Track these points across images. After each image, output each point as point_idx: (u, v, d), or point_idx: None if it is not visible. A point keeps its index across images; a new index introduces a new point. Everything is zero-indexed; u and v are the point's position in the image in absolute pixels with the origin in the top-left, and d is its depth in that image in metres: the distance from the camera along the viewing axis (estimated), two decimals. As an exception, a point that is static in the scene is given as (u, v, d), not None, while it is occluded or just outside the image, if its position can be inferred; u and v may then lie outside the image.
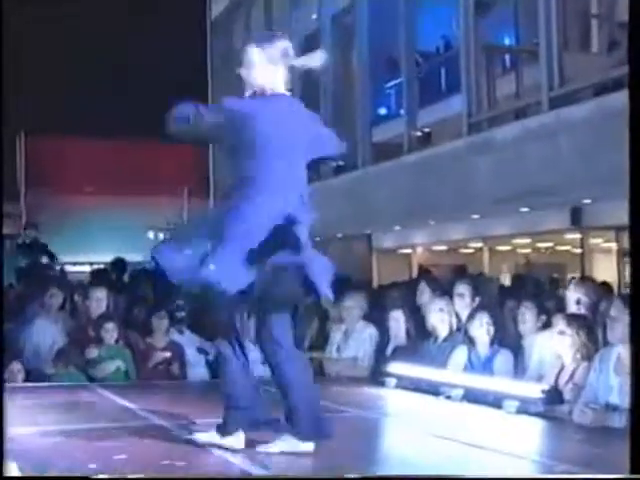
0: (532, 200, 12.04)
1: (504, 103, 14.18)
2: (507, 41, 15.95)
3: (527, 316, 5.96)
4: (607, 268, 12.48)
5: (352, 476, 3.44)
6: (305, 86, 20.31)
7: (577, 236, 13.50)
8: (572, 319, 5.35)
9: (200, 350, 7.29)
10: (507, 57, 15.37)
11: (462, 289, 6.62)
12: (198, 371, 7.21)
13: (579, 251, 13.65)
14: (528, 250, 15.88)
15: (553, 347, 5.34)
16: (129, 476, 3.39)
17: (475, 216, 14.31)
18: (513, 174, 12.03)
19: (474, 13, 14.00)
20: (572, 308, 5.81)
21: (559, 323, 5.32)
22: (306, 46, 20.36)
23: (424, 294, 7.08)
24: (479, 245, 16.00)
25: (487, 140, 13.18)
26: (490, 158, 12.76)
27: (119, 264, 10.32)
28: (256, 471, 3.54)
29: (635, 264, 3.11)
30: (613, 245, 12.97)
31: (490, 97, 14.14)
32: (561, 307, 6.12)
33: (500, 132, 12.98)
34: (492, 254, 15.72)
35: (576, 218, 12.49)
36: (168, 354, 7.01)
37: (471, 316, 6.00)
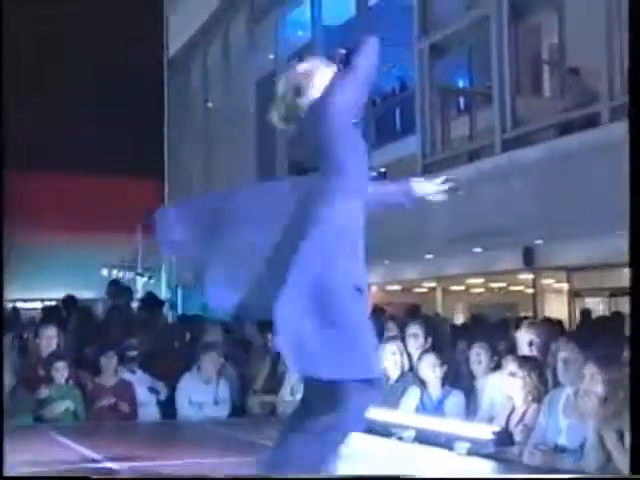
0: (485, 240, 12.15)
1: (458, 144, 14.35)
2: (461, 84, 16.17)
3: (481, 357, 5.99)
4: (559, 308, 12.60)
5: (353, 476, 3.41)
6: (265, 126, 20.43)
7: (529, 276, 13.63)
8: (523, 361, 5.38)
9: (151, 389, 7.23)
10: (461, 99, 15.58)
11: (415, 329, 6.64)
12: (149, 410, 7.13)
13: (531, 291, 13.78)
14: (481, 290, 16.00)
15: (504, 388, 5.36)
16: (129, 476, 3.34)
17: (429, 256, 14.39)
18: (467, 214, 12.13)
19: (429, 56, 14.19)
20: (524, 349, 5.84)
21: (510, 365, 5.35)
22: (262, 86, 20.50)
23: (388, 332, 7.10)
24: (433, 285, 16.07)
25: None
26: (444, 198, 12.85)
27: (70, 301, 10.20)
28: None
29: (635, 264, 3.10)
30: (565, 285, 13.11)
31: (444, 138, 14.30)
32: (513, 348, 6.16)
33: (454, 173, 13.11)
34: (445, 294, 15.80)
35: (528, 258, 12.61)
36: (115, 394, 6.92)
37: (422, 357, 6.01)
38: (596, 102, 10.79)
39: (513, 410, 5.23)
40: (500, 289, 15.74)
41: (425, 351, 6.14)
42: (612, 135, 10.07)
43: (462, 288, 15.99)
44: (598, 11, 10.59)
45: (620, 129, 10.01)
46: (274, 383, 7.40)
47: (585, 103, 11.19)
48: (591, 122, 10.86)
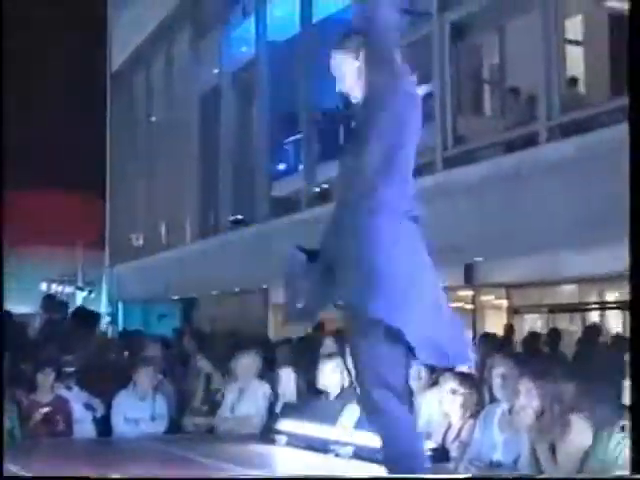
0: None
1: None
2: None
3: (422, 373, 5.99)
4: (498, 324, 12.72)
5: (353, 476, 3.38)
6: (209, 140, 20.39)
7: (469, 293, 13.74)
8: (462, 378, 5.40)
9: (87, 406, 7.12)
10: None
11: (354, 346, 6.63)
12: (85, 427, 7.02)
13: (471, 307, 13.89)
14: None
15: (441, 405, 5.38)
16: (130, 476, 3.27)
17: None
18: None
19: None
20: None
21: (449, 382, 5.36)
22: (206, 101, 20.44)
23: (314, 350, 7.09)
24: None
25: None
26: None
27: (5, 316, 9.99)
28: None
29: (634, 263, 3.10)
30: (504, 302, 13.25)
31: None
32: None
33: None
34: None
35: (469, 276, 12.73)
36: (51, 411, 6.81)
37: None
38: (535, 121, 10.96)
39: (450, 427, 5.26)
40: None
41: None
42: (550, 154, 10.24)
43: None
44: (537, 32, 10.78)
45: (558, 148, 10.20)
46: (211, 401, 7.34)
47: (524, 122, 11.36)
48: (530, 141, 11.03)
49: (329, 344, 7.44)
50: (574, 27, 11.95)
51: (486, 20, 12.59)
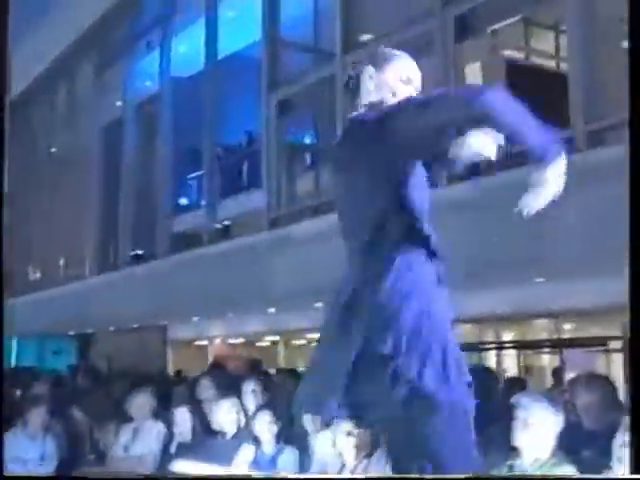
0: (327, 296, 12.25)
1: (303, 200, 14.52)
2: (308, 140, 16.43)
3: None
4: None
5: (354, 476, 3.27)
6: (111, 171, 20.14)
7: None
8: (358, 420, 5.39)
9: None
10: (308, 155, 15.81)
11: (253, 386, 6.59)
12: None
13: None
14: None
15: (336, 445, 5.37)
16: (130, 476, 3.12)
17: (272, 309, 14.42)
18: (310, 269, 12.24)
19: (277, 111, 14.38)
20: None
21: (343, 424, 5.35)
22: (108, 133, 20.23)
23: (208, 390, 6.99)
24: (276, 338, 16.09)
25: (286, 235, 13.39)
26: (288, 253, 12.95)
27: None
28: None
29: (634, 263, 3.11)
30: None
31: (290, 193, 14.45)
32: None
33: (299, 228, 13.24)
34: (288, 348, 15.84)
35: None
36: None
37: (257, 414, 5.97)
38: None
39: (343, 466, 5.25)
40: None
41: (261, 408, 6.09)
42: (451, 194, 10.42)
43: (304, 342, 16.07)
44: (438, 77, 11.02)
45: (461, 189, 10.39)
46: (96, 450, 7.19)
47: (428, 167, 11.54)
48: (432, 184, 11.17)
49: (206, 384, 7.31)
50: (473, 72, 12.27)
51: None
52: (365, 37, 12.83)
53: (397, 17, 12.14)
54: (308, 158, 15.77)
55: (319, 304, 13.20)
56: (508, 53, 12.24)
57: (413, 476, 3.03)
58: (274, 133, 14.41)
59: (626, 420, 4.24)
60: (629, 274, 3.09)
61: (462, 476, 3.42)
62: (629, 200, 3.03)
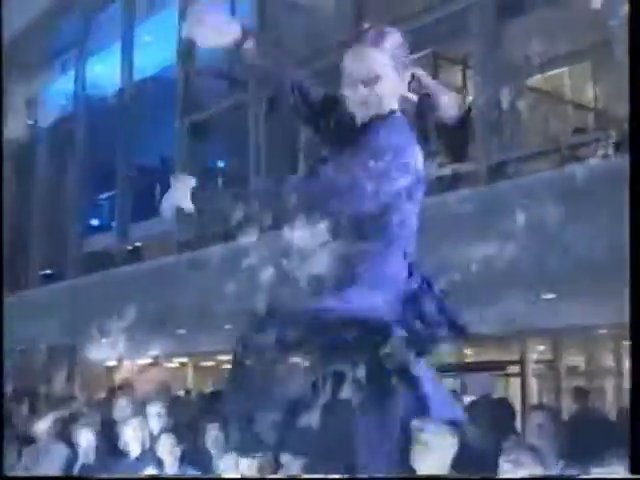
0: (237, 318, 12.37)
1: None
2: (222, 165, 16.59)
3: (220, 438, 6.04)
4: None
5: (354, 477, 3.26)
6: (18, 192, 19.88)
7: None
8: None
9: None
10: (219, 179, 15.94)
11: (158, 408, 6.68)
12: None
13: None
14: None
15: (239, 467, 5.51)
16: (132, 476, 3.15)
17: (181, 331, 14.46)
18: (221, 292, 12.34)
19: (189, 134, 14.51)
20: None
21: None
22: (19, 153, 20.01)
23: (124, 410, 7.07)
24: (184, 360, 16.12)
25: (197, 257, 13.46)
26: (199, 275, 13.01)
27: None
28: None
29: (634, 263, 3.05)
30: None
31: (201, 217, 14.55)
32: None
33: (209, 252, 13.33)
34: (196, 369, 15.88)
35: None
36: None
37: (161, 436, 6.07)
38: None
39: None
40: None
41: (165, 430, 6.19)
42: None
43: (213, 364, 16.14)
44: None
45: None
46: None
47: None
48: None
49: (136, 404, 7.43)
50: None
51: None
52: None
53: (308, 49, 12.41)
54: (219, 181, 15.91)
55: (228, 326, 13.33)
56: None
57: (412, 476, 3.12)
58: (187, 155, 14.53)
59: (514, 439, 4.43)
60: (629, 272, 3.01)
61: (462, 476, 3.53)
62: (629, 208, 2.90)
